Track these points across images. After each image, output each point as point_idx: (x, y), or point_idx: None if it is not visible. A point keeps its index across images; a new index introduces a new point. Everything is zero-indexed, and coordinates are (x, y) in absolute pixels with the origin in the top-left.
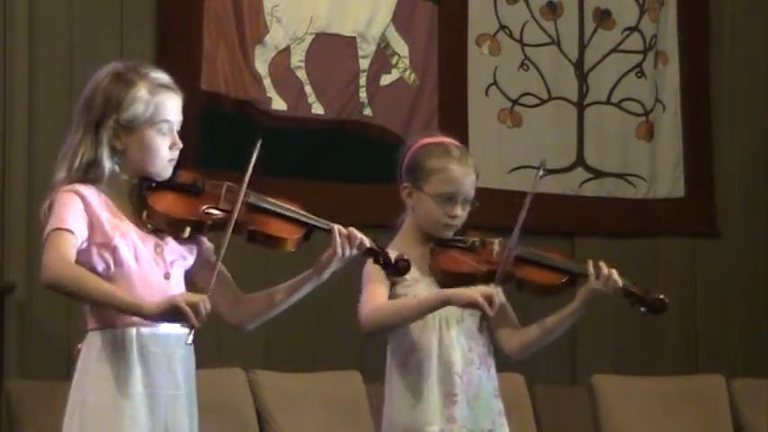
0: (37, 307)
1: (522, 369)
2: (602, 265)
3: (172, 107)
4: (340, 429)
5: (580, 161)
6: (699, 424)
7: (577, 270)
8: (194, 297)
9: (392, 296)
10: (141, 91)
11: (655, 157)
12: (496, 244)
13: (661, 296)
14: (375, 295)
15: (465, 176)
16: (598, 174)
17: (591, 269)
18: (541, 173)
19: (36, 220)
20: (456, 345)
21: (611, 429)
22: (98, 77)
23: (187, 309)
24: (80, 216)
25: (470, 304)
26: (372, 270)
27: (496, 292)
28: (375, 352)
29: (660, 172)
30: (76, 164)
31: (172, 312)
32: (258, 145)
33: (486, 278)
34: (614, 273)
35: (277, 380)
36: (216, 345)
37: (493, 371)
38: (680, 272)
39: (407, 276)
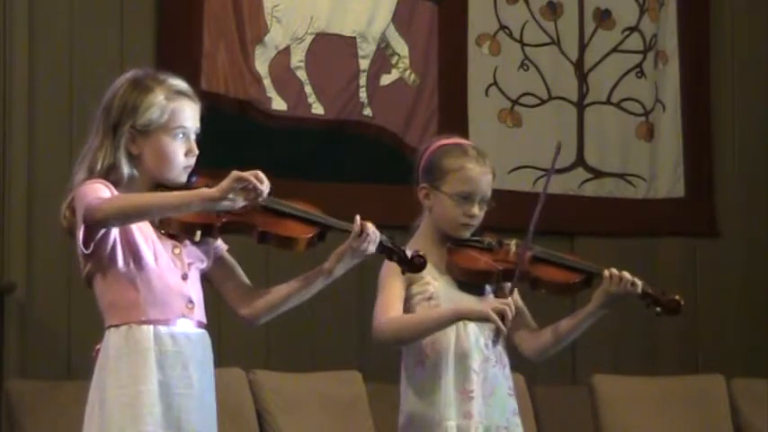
0: (37, 307)
1: (522, 369)
2: (614, 270)
3: (188, 114)
4: (340, 429)
5: (580, 161)
6: (699, 424)
7: (592, 270)
8: (251, 171)
9: (409, 295)
10: (158, 97)
11: (655, 157)
12: (513, 245)
13: (676, 297)
14: (389, 304)
15: (482, 176)
16: (598, 174)
17: (606, 271)
18: (557, 154)
19: (36, 220)
20: (473, 342)
21: (611, 429)
22: (117, 84)
23: (250, 176)
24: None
25: (483, 319)
26: (388, 274)
27: (510, 307)
28: (375, 352)
29: (660, 172)
30: (97, 167)
31: (236, 184)
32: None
33: (503, 276)
34: (626, 274)
35: (277, 380)
36: (216, 345)
37: (507, 370)
38: (680, 272)
39: (425, 275)
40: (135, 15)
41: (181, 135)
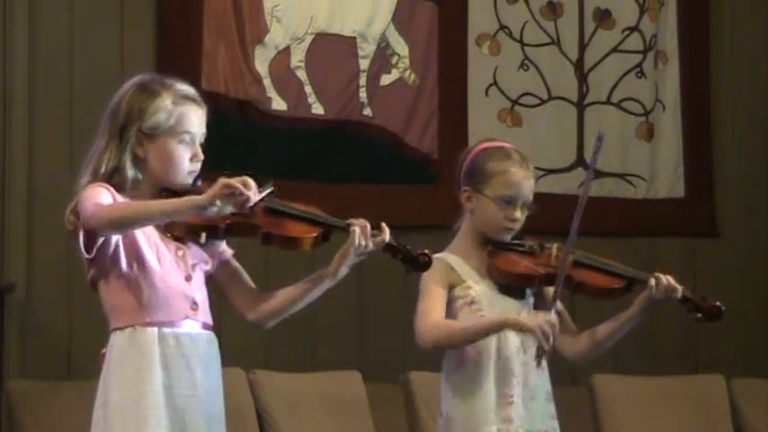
0: (37, 307)
1: None
2: (659, 275)
3: (195, 119)
4: (340, 429)
5: (580, 161)
6: (699, 424)
7: (634, 276)
8: (238, 178)
9: (450, 299)
10: (165, 101)
11: (655, 157)
12: (554, 248)
13: (717, 303)
14: (432, 309)
15: (525, 180)
16: (598, 174)
17: (649, 277)
18: (597, 144)
19: (36, 220)
20: (513, 347)
21: (611, 429)
22: (124, 88)
23: (237, 183)
24: (111, 200)
25: (528, 332)
26: (428, 279)
27: (555, 327)
28: (375, 352)
29: (660, 172)
30: (102, 170)
31: (224, 191)
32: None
33: (544, 280)
34: (671, 279)
35: (277, 380)
36: None
37: (546, 373)
38: (680, 272)
39: (466, 279)
40: (135, 15)
41: (187, 139)
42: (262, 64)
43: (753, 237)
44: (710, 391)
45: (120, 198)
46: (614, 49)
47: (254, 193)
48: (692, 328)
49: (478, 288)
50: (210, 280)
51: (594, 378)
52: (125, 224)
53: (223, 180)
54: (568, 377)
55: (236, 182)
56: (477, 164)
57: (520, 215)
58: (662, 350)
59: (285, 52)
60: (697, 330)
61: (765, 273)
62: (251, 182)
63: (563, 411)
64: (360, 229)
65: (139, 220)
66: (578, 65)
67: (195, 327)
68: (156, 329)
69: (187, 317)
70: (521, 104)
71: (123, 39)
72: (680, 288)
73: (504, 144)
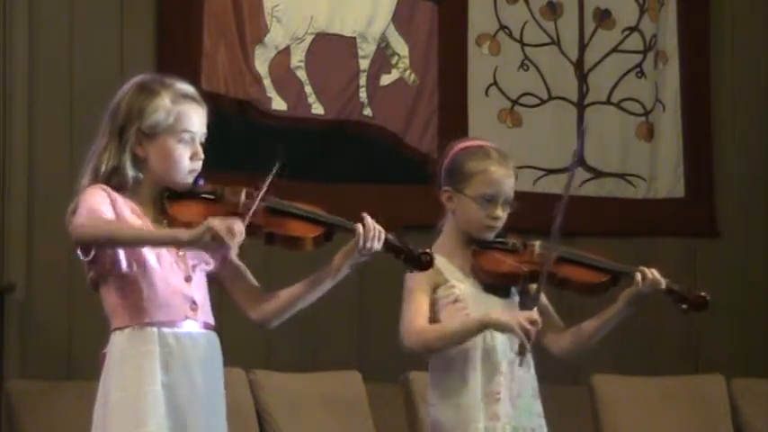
0: (37, 307)
1: None
2: (644, 268)
3: (194, 118)
4: (340, 429)
5: (580, 161)
6: (699, 424)
7: (619, 270)
8: (227, 220)
9: (434, 299)
10: (164, 100)
11: (655, 157)
12: (537, 245)
13: (702, 293)
14: (417, 314)
15: (505, 178)
16: (598, 174)
17: (634, 271)
18: (574, 165)
19: (36, 220)
20: (499, 344)
21: (611, 429)
22: (124, 89)
23: (221, 227)
24: (108, 206)
25: (509, 331)
26: (413, 283)
27: (536, 324)
28: (375, 352)
29: (660, 172)
30: (102, 170)
31: (207, 234)
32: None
33: (529, 278)
34: (655, 272)
35: (277, 380)
36: None
37: (533, 371)
38: (680, 272)
39: (450, 279)
40: (135, 15)
41: (186, 138)
42: (262, 64)
43: (753, 237)
44: (710, 391)
45: (119, 199)
46: (614, 49)
47: (237, 241)
48: (691, 329)
49: (462, 287)
50: (214, 278)
51: (594, 378)
52: (106, 244)
53: (209, 223)
54: (568, 377)
55: (222, 228)
56: (456, 164)
57: (501, 213)
58: (662, 350)
59: (285, 52)
60: (697, 330)
61: (765, 273)
62: (237, 229)
63: (563, 411)
64: (365, 230)
65: (121, 243)
66: (578, 65)
67: (195, 327)
68: (155, 329)
69: (187, 317)
70: (521, 104)
71: (123, 39)
72: (664, 281)
73: (484, 142)
